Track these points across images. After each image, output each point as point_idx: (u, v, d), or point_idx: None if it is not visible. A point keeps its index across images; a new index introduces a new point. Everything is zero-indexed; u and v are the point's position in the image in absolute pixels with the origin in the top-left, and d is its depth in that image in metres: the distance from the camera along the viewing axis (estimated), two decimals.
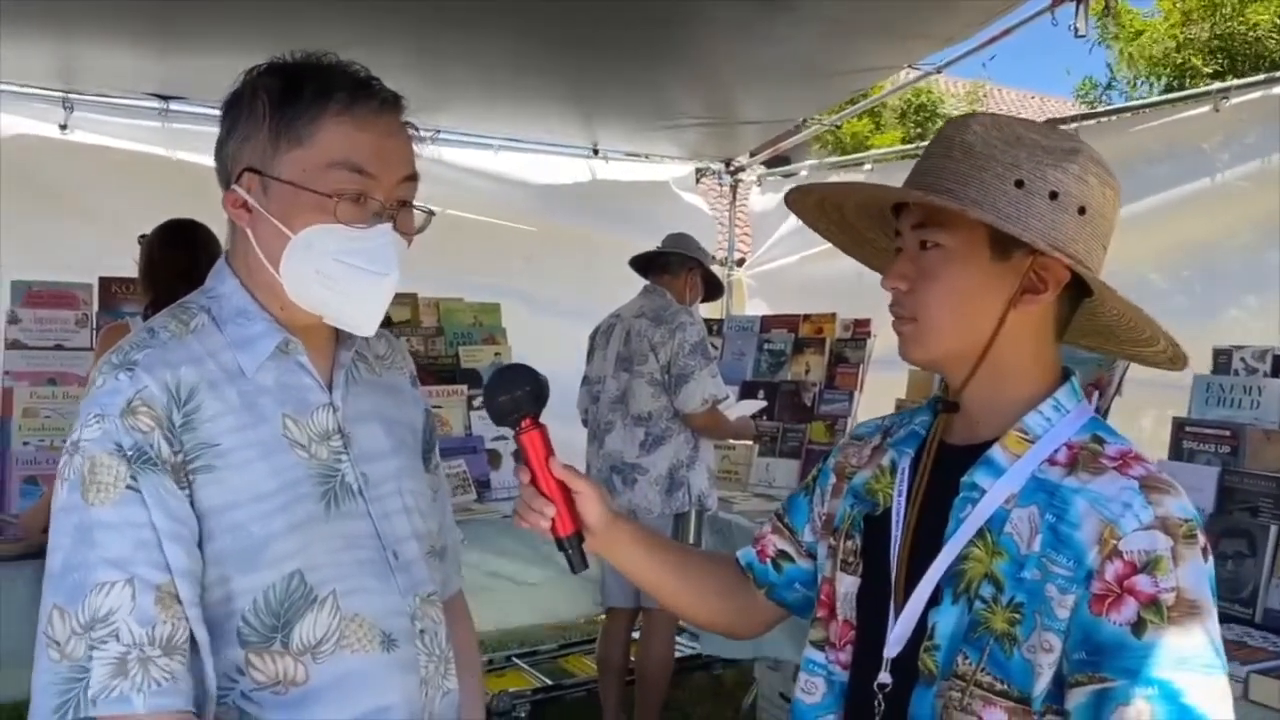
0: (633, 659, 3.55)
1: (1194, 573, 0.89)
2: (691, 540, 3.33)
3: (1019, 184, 0.96)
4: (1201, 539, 0.91)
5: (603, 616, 3.66)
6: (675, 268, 3.52)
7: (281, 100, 1.03)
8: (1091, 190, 0.98)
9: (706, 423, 3.36)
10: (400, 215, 1.08)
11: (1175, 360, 1.04)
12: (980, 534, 0.97)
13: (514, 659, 4.28)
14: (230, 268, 1.11)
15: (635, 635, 3.56)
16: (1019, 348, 1.01)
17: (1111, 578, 0.89)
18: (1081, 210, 0.97)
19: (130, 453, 0.96)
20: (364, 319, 1.09)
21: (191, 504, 1.00)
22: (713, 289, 3.73)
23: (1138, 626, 0.88)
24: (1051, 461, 0.98)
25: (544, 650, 4.37)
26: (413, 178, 1.09)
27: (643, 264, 3.58)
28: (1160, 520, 0.90)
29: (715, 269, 3.96)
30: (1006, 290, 0.99)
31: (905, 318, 1.03)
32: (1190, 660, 0.87)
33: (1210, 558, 0.92)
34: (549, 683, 4.04)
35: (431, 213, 1.12)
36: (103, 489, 0.96)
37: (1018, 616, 0.93)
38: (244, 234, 1.07)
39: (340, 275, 1.04)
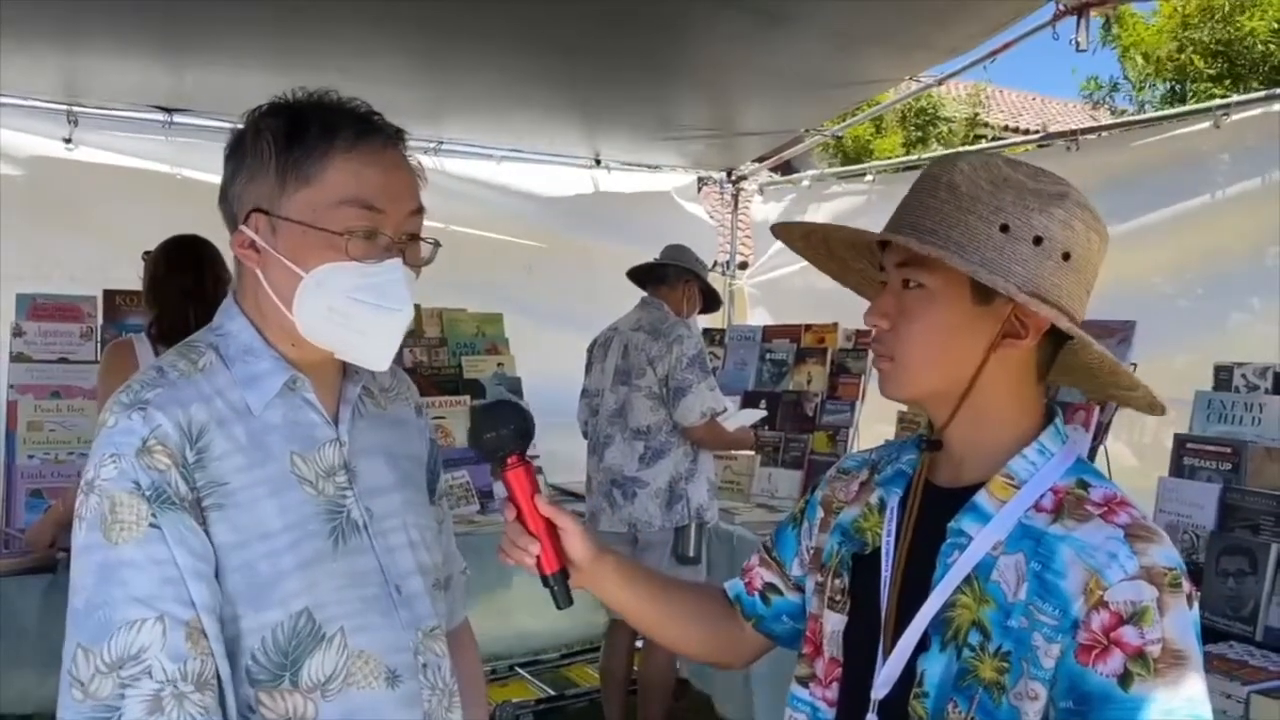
0: (635, 669, 3.56)
1: (1179, 622, 0.89)
2: (692, 553, 3.33)
3: (1004, 228, 0.95)
4: (1187, 586, 0.91)
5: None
6: (672, 280, 3.52)
7: (287, 140, 1.03)
8: (1076, 236, 0.97)
9: (705, 435, 3.37)
10: (409, 249, 1.08)
11: (1154, 407, 1.04)
12: (968, 581, 0.97)
13: (517, 668, 4.27)
14: (239, 305, 1.11)
15: (639, 645, 3.57)
16: (1000, 390, 1.01)
17: (1098, 628, 0.90)
18: (1066, 256, 0.97)
19: (149, 492, 0.97)
20: (377, 355, 1.10)
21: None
22: (710, 301, 3.73)
23: (1124, 679, 0.88)
24: (1038, 508, 0.98)
25: (547, 660, 4.36)
26: (419, 211, 1.10)
27: (640, 276, 3.58)
28: (1145, 570, 0.90)
29: (716, 278, 3.95)
30: (987, 334, 0.99)
31: (884, 355, 1.04)
32: (1176, 712, 0.88)
33: (1196, 605, 0.92)
34: (552, 692, 4.03)
35: (438, 244, 1.12)
36: (125, 527, 0.96)
37: (1005, 665, 0.93)
38: (253, 274, 1.07)
39: (354, 312, 1.04)
